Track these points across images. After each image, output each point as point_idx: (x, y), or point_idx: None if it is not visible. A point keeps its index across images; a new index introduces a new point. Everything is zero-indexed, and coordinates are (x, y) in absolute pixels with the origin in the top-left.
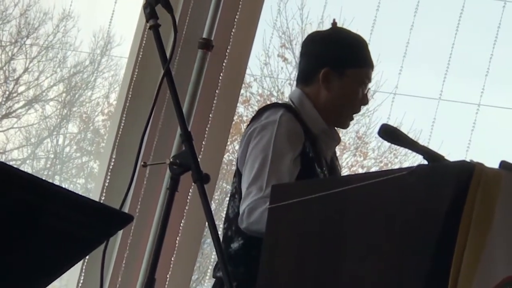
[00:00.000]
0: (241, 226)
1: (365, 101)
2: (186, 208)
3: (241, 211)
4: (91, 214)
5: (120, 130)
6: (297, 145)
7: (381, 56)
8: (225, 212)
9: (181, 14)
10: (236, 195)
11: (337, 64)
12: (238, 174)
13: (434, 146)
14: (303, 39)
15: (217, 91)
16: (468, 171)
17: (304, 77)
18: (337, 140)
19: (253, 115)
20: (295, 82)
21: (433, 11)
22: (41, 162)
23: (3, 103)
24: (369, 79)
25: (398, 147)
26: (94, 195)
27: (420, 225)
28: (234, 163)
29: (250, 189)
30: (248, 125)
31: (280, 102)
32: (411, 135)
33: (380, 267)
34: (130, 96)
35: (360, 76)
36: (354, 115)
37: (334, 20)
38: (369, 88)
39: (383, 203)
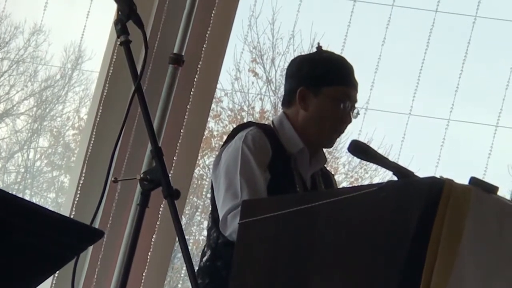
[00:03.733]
0: (225, 233)
1: (347, 120)
2: (157, 223)
3: (222, 219)
4: (62, 230)
5: (91, 144)
6: (262, 155)
7: None
8: (194, 227)
9: (152, 29)
10: (211, 211)
11: (312, 82)
12: (212, 191)
13: (404, 162)
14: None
15: (188, 106)
16: (437, 187)
17: (285, 99)
18: (321, 161)
19: (228, 132)
20: (265, 97)
21: (404, 27)
22: (12, 176)
23: None
24: (349, 98)
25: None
26: (65, 210)
27: (389, 241)
28: (205, 177)
29: (226, 196)
30: (223, 145)
31: (254, 121)
32: (381, 151)
33: (349, 283)
34: (100, 111)
35: (337, 94)
36: (339, 134)
37: (318, 43)
38: (354, 108)
39: (353, 219)
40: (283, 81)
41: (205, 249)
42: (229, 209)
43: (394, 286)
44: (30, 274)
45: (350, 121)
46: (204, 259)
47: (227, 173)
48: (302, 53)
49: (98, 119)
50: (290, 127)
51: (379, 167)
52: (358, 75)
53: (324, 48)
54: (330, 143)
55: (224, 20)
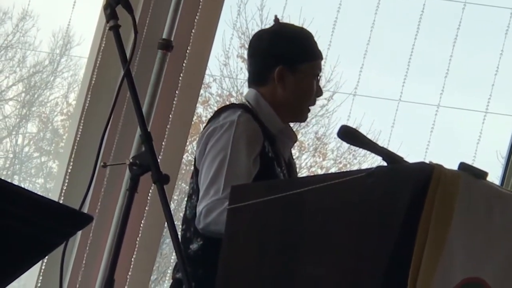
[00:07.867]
0: (198, 227)
1: (319, 92)
2: (146, 208)
3: (198, 212)
4: (50, 215)
5: (80, 130)
6: (256, 146)
7: (341, 56)
8: (183, 213)
9: (141, 14)
10: (193, 195)
11: (289, 61)
12: (195, 175)
13: (393, 147)
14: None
15: (176, 92)
16: (427, 173)
17: (257, 77)
18: (294, 139)
19: (211, 115)
20: None
21: (394, 12)
22: (0, 162)
23: None
24: (320, 70)
25: (358, 148)
26: (54, 195)
27: (378, 226)
28: (193, 163)
29: (207, 190)
30: (206, 125)
31: (237, 102)
32: (370, 136)
33: (338, 268)
34: (89, 96)
35: (313, 69)
36: (310, 108)
37: (275, 16)
38: (320, 76)
39: (342, 205)
40: None
41: (189, 235)
42: (207, 204)
43: (383, 271)
44: (18, 259)
45: (322, 93)
46: (194, 247)
47: (212, 164)
48: None
49: (86, 105)
50: (268, 106)
51: (368, 152)
52: (347, 61)
53: (318, 36)
54: (306, 118)
55: (213, 6)
